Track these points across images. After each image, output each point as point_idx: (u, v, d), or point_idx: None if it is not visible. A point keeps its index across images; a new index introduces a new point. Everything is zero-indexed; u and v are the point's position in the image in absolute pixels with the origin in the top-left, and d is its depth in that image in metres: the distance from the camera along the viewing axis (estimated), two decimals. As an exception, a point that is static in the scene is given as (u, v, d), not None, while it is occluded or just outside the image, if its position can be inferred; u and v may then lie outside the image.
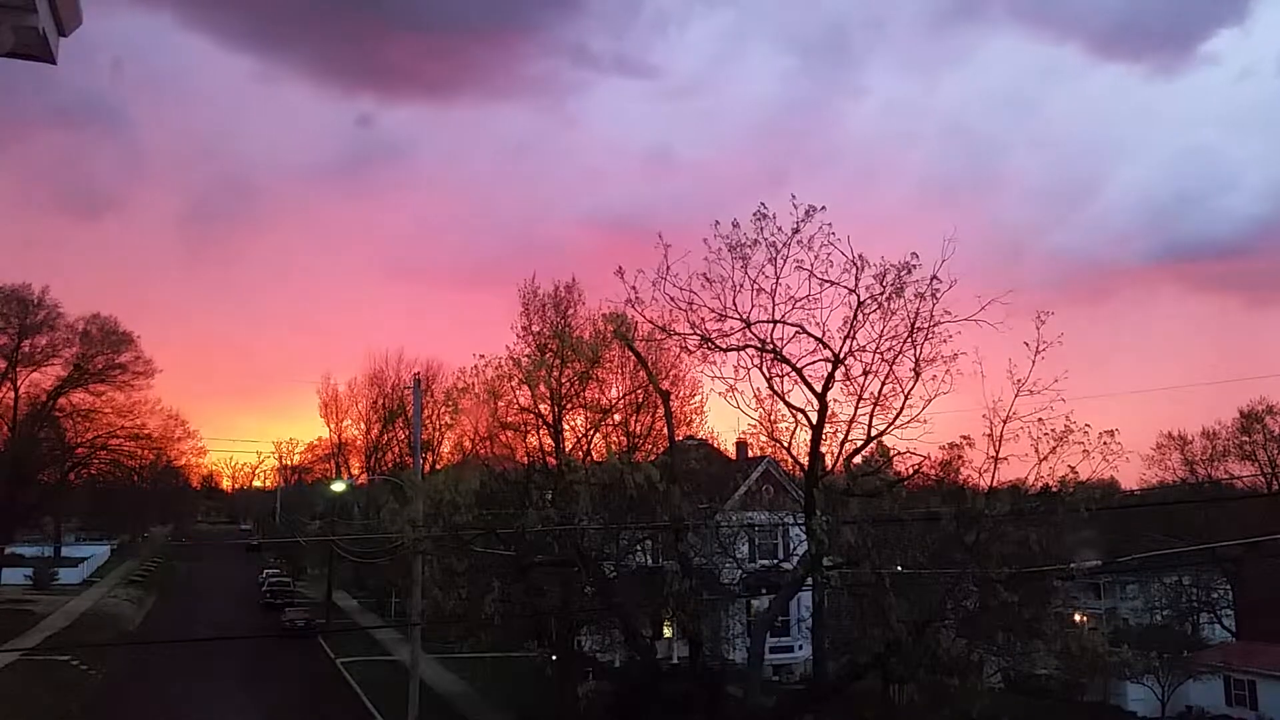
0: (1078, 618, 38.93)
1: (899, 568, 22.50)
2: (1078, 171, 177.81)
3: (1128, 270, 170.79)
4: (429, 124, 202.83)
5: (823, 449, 22.86)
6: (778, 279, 22.16)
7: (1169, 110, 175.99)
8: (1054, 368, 19.82)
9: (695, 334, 23.14)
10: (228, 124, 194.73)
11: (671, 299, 22.91)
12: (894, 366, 21.89)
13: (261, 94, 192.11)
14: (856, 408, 22.25)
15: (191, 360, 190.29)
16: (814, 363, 22.53)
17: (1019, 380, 20.06)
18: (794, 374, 22.66)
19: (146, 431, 69.31)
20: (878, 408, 22.01)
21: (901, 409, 21.67)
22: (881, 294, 21.64)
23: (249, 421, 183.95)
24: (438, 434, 57.36)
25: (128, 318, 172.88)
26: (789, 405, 23.10)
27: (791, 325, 22.41)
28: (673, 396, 32.44)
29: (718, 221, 22.30)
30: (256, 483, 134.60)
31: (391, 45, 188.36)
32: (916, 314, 21.55)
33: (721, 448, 40.86)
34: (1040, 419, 19.81)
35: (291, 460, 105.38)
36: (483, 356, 25.67)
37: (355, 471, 79.41)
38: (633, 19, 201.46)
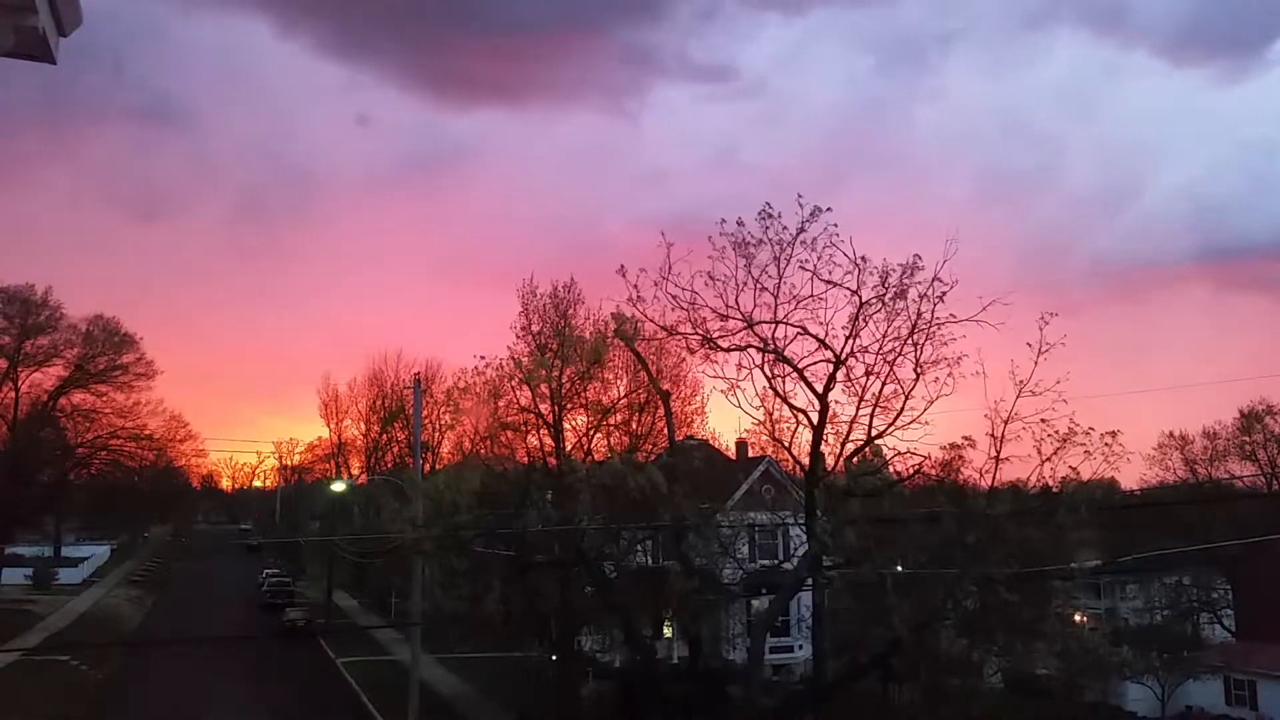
0: (1078, 618, 38.89)
1: (900, 568, 22.49)
2: (1131, 172, 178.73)
3: (1173, 269, 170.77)
4: (493, 127, 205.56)
5: (824, 449, 22.88)
6: (780, 279, 22.19)
7: (1232, 112, 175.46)
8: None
9: (697, 334, 23.16)
10: (284, 127, 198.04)
11: (674, 298, 22.95)
12: (896, 367, 21.91)
13: (335, 99, 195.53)
14: (858, 408, 22.28)
15: (194, 359, 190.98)
16: (816, 363, 22.58)
17: (1021, 381, 20.06)
18: (796, 374, 22.68)
19: (147, 432, 69.32)
20: (879, 408, 22.02)
21: (903, 409, 21.71)
22: (884, 294, 21.65)
23: (249, 421, 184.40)
24: (437, 434, 57.26)
25: (138, 317, 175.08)
26: (790, 406, 23.13)
27: (794, 325, 22.44)
28: (674, 396, 32.42)
29: (723, 220, 22.34)
30: (256, 483, 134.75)
31: (466, 50, 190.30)
32: (919, 315, 21.56)
33: (722, 448, 40.86)
34: (1044, 420, 19.82)
35: (291, 460, 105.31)
36: (483, 357, 25.72)
37: (355, 471, 79.27)
38: (702, 22, 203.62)
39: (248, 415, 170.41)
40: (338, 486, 63.58)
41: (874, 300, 21.77)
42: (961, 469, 21.59)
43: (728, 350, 23.05)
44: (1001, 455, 20.52)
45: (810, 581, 24.75)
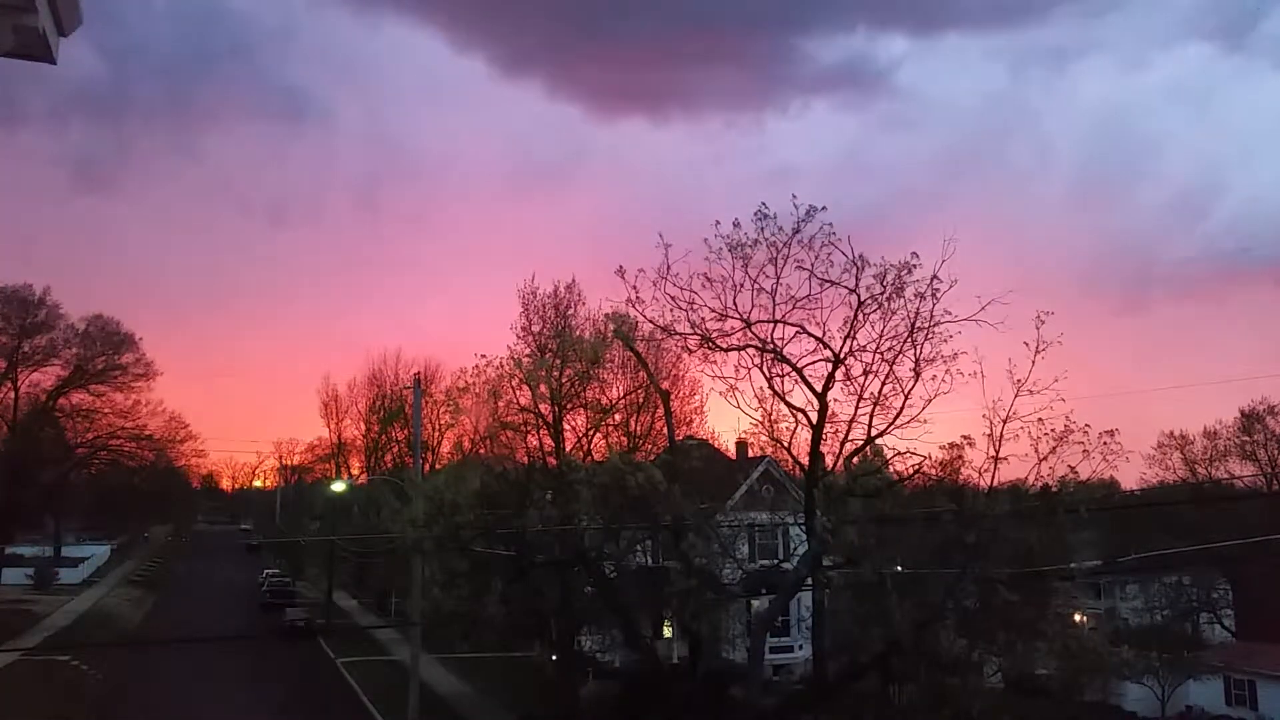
0: (1078, 618, 38.89)
1: (900, 568, 22.48)
2: (1228, 174, 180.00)
3: (1244, 271, 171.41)
4: (627, 133, 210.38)
5: (823, 449, 22.88)
6: (778, 279, 22.19)
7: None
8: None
9: (696, 334, 23.16)
10: (409, 127, 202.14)
11: (672, 299, 22.94)
12: (894, 366, 21.91)
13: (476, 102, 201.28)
14: (857, 408, 22.28)
15: (196, 359, 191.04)
16: (814, 363, 22.57)
17: (1019, 380, 20.05)
18: (794, 374, 22.69)
19: (147, 432, 69.39)
20: (878, 408, 22.03)
21: (902, 409, 21.71)
22: (882, 294, 21.65)
23: (251, 421, 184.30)
24: (437, 434, 57.38)
25: (138, 316, 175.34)
26: (789, 405, 23.13)
27: (792, 325, 22.45)
28: (673, 396, 32.51)
29: (718, 221, 22.34)
30: (256, 483, 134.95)
31: (609, 60, 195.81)
32: (916, 314, 21.56)
33: (722, 447, 40.89)
34: (1040, 419, 19.79)
35: (291, 460, 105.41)
36: (484, 356, 25.73)
37: (355, 471, 79.38)
38: (838, 33, 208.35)
39: (248, 416, 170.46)
40: (338, 486, 63.68)
41: (871, 300, 21.77)
42: (961, 469, 21.57)
43: (726, 350, 23.06)
44: (1001, 455, 20.51)
45: (810, 581, 24.74)
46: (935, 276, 21.14)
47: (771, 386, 23.15)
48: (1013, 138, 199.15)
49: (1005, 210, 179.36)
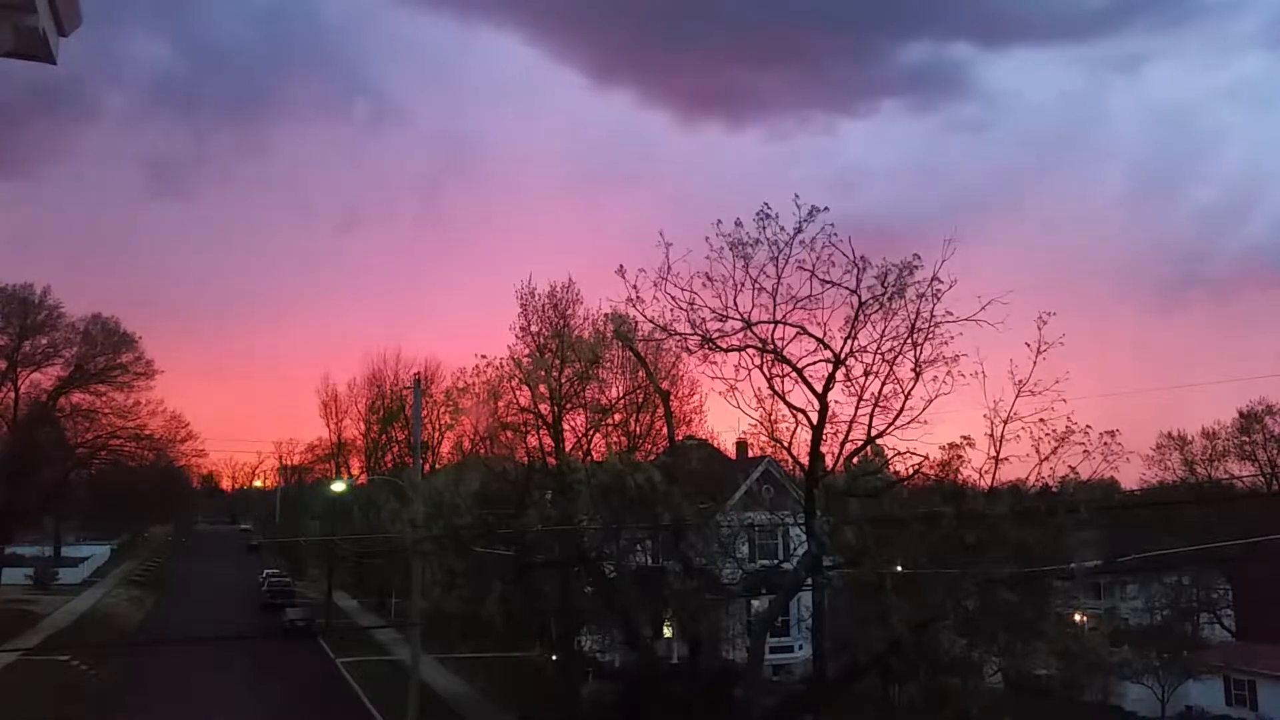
0: (1078, 618, 38.85)
1: (899, 568, 22.46)
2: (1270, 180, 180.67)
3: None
4: (707, 139, 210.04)
5: (823, 449, 22.85)
6: (779, 279, 22.15)
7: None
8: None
9: (696, 334, 23.12)
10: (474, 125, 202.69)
11: (672, 299, 22.89)
12: (895, 367, 21.89)
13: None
14: (857, 408, 22.25)
15: (196, 359, 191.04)
16: (815, 363, 22.52)
17: (1020, 381, 20.05)
18: (795, 374, 22.65)
19: (147, 432, 69.28)
20: (878, 408, 22.00)
21: (902, 409, 21.68)
22: (883, 294, 21.63)
23: (251, 421, 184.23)
24: (437, 434, 57.39)
25: (138, 316, 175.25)
26: (790, 405, 23.09)
27: (792, 326, 22.41)
28: (672, 396, 32.46)
29: (719, 220, 22.30)
30: (256, 483, 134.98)
31: (692, 70, 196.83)
32: (917, 314, 21.54)
33: (722, 447, 40.83)
34: (1042, 419, 19.78)
35: (291, 460, 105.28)
36: (483, 357, 25.73)
37: (355, 471, 79.32)
38: (907, 40, 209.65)
39: (251, 415, 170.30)
40: (338, 486, 63.58)
41: (872, 300, 21.75)
42: (961, 469, 21.56)
43: (726, 351, 23.03)
44: (1001, 455, 20.51)
45: (810, 581, 24.72)
46: (936, 277, 21.13)
47: (772, 387, 23.13)
48: (1076, 142, 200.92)
49: (1062, 211, 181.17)
